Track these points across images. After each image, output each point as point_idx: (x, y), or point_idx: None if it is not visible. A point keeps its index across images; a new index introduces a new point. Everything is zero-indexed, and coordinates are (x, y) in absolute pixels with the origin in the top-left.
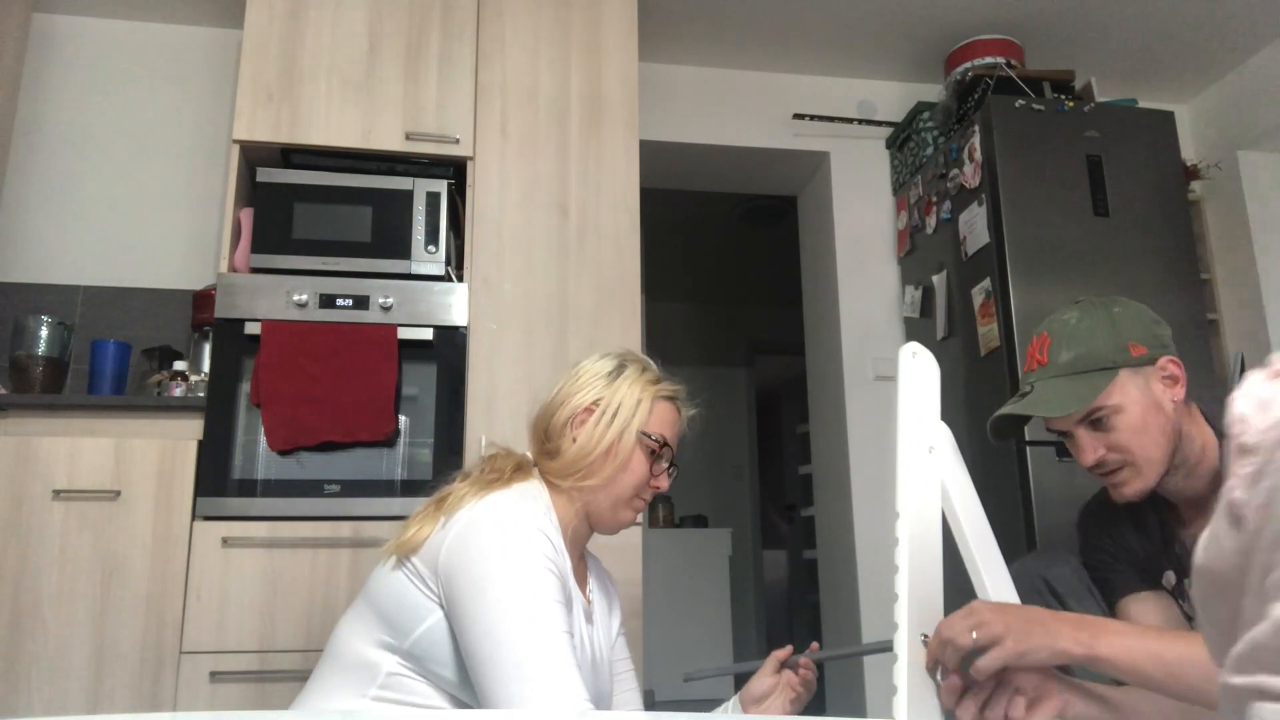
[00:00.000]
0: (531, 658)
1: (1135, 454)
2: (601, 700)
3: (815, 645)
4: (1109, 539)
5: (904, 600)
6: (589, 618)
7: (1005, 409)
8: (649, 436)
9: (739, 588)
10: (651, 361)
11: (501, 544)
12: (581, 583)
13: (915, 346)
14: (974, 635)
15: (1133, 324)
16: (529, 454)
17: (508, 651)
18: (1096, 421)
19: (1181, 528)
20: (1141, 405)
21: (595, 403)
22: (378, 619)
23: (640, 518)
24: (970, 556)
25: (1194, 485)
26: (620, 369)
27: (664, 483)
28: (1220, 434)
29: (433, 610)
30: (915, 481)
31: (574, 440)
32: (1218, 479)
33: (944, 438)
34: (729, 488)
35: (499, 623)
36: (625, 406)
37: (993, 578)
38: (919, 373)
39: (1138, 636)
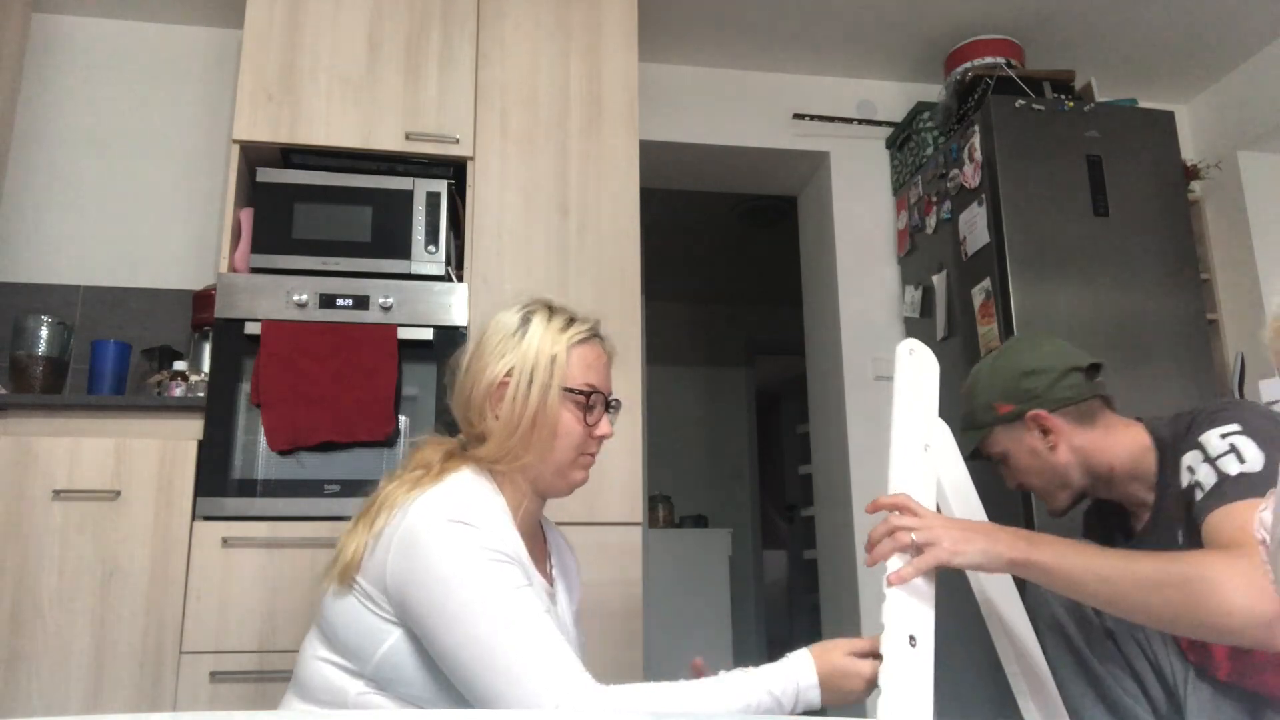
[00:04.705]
0: (517, 655)
1: (1034, 485)
2: None
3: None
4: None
5: (891, 601)
6: (552, 599)
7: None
8: (574, 391)
9: (739, 588)
10: (558, 302)
11: (447, 547)
12: (541, 561)
13: (913, 343)
14: (914, 536)
15: (1003, 382)
16: (460, 438)
17: (490, 657)
18: (999, 462)
19: (1132, 520)
20: (1019, 453)
21: (509, 372)
22: (336, 646)
23: (640, 517)
24: None
25: (1132, 493)
26: (525, 321)
27: (606, 428)
28: (1162, 442)
29: (390, 631)
30: (909, 479)
31: (496, 419)
32: (1150, 483)
33: (942, 435)
34: (729, 488)
35: (471, 629)
36: (540, 367)
37: (990, 577)
38: (916, 369)
39: (1075, 549)
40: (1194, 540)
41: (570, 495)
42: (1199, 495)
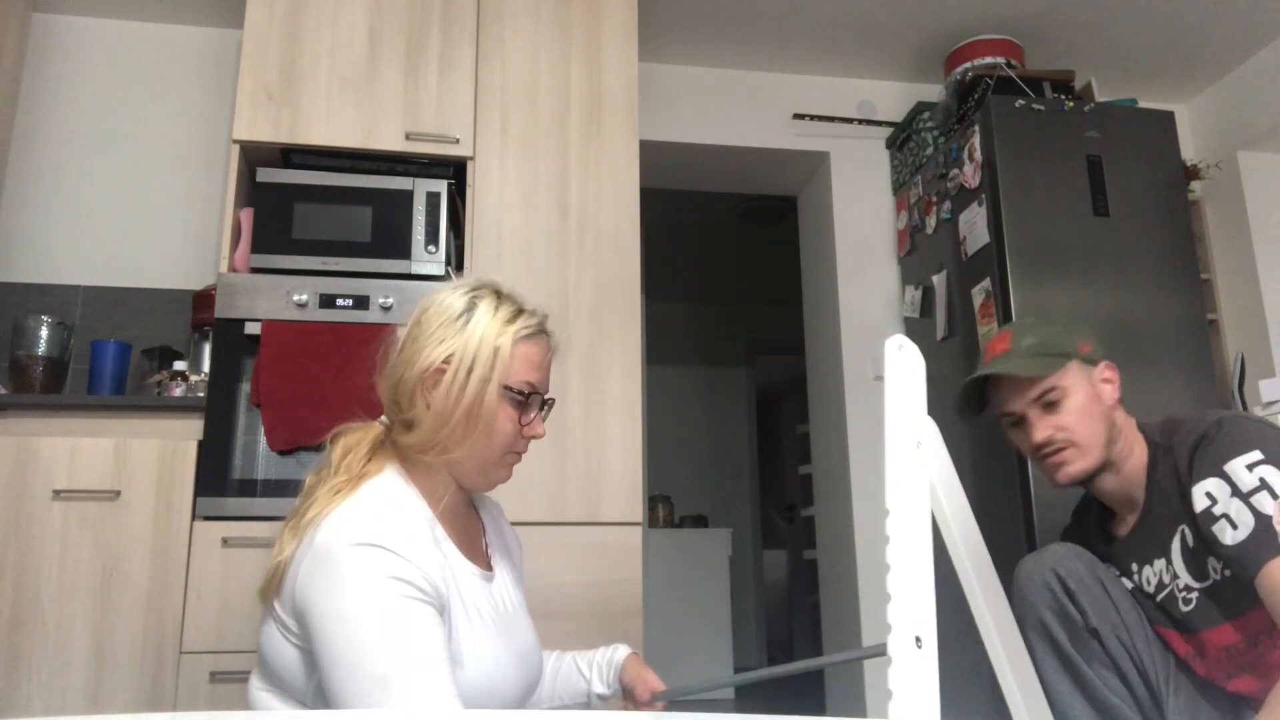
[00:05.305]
0: (399, 702)
1: (1079, 434)
2: (532, 645)
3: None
4: (1075, 535)
5: (896, 602)
6: (488, 579)
7: (975, 374)
8: (512, 390)
9: (739, 588)
10: (506, 286)
11: (352, 576)
12: (476, 543)
13: (901, 339)
14: None
15: (1081, 330)
16: (384, 421)
17: (367, 697)
18: (1049, 404)
19: (1113, 524)
20: (1086, 393)
21: (448, 359)
22: (272, 677)
23: (640, 517)
24: (958, 554)
25: (1125, 486)
26: (471, 308)
27: (539, 429)
28: (1154, 445)
29: (311, 659)
30: (904, 478)
31: (428, 407)
32: (1142, 482)
33: (931, 433)
34: (729, 488)
35: (359, 669)
36: (482, 359)
37: (980, 576)
38: (905, 366)
39: None
40: (1212, 567)
41: (569, 496)
42: (1231, 532)
